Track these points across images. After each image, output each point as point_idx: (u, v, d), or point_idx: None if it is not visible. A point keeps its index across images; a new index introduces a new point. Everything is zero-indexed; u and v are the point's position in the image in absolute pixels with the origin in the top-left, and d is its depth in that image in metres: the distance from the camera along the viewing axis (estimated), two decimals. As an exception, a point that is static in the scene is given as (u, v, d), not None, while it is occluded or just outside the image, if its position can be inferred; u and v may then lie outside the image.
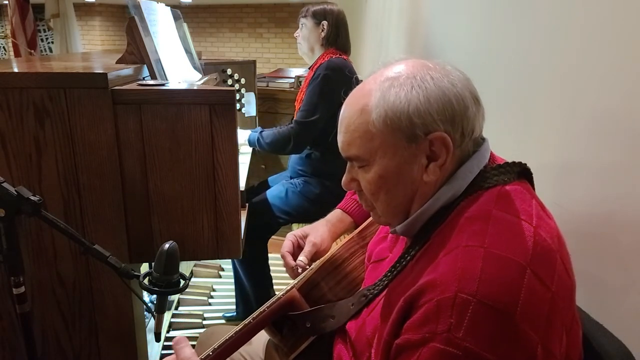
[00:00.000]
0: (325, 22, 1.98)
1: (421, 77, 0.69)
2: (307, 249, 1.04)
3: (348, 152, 0.75)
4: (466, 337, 0.56)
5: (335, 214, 1.14)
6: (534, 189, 0.74)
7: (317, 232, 1.08)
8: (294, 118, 1.97)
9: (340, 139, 0.76)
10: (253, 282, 2.03)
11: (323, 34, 1.99)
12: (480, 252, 0.60)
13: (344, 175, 0.79)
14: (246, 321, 0.88)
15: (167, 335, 2.06)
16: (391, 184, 0.72)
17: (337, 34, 2.00)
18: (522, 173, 0.73)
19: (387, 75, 0.71)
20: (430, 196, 0.71)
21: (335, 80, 1.85)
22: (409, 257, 0.73)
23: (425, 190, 0.71)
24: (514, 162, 0.72)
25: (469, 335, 0.56)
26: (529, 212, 0.66)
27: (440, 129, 0.67)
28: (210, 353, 0.83)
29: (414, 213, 0.73)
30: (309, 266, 1.01)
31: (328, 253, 0.98)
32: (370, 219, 1.02)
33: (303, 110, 1.93)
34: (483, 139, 0.74)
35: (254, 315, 0.89)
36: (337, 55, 1.97)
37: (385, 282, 0.76)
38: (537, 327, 0.57)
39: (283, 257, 1.05)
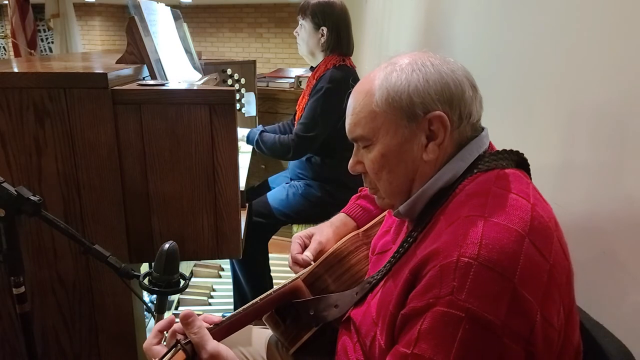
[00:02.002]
0: (324, 28, 1.90)
1: (422, 62, 0.74)
2: (313, 245, 1.05)
3: (354, 133, 0.78)
4: (468, 298, 0.57)
5: (339, 217, 1.15)
6: (530, 178, 0.76)
7: (322, 232, 1.10)
8: (294, 129, 1.92)
9: (347, 122, 0.80)
10: (252, 283, 2.02)
11: (323, 40, 1.91)
12: (480, 220, 0.63)
13: (351, 159, 0.82)
14: (253, 302, 0.88)
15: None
16: (393, 163, 0.75)
17: (337, 39, 1.92)
18: (519, 163, 0.75)
19: (390, 62, 0.77)
20: (431, 176, 0.75)
21: (337, 93, 1.80)
22: (411, 239, 0.75)
23: (426, 169, 0.75)
24: (511, 150, 0.75)
25: (471, 297, 0.57)
26: (526, 192, 0.68)
27: (439, 108, 0.71)
28: (218, 324, 0.84)
29: (415, 193, 0.76)
30: (312, 262, 1.02)
31: (333, 247, 0.99)
32: (376, 219, 1.03)
33: (303, 123, 1.87)
34: (482, 128, 0.77)
35: (261, 297, 0.89)
36: (341, 62, 1.91)
37: (389, 266, 0.78)
38: (535, 294, 0.58)
39: (295, 259, 1.05)
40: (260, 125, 2.26)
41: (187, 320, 0.77)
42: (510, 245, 0.59)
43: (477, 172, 0.72)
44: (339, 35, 1.92)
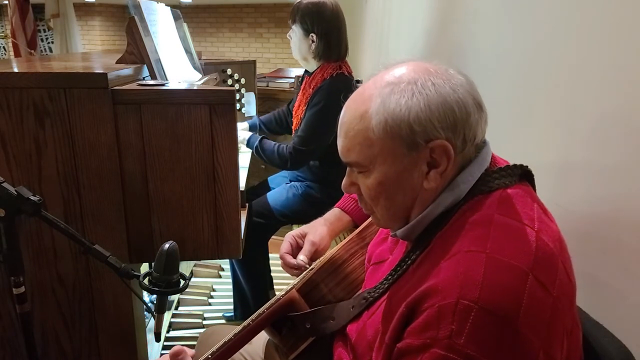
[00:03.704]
0: (313, 35, 1.85)
1: (422, 83, 0.67)
2: (307, 247, 1.04)
3: (348, 157, 0.74)
4: (467, 343, 0.56)
5: (334, 212, 1.14)
6: (535, 190, 0.74)
7: (315, 230, 1.08)
8: (292, 142, 1.90)
9: (340, 143, 0.75)
10: (251, 284, 2.02)
11: (313, 46, 1.87)
12: (482, 257, 0.60)
13: (344, 179, 0.79)
14: (245, 323, 0.88)
15: (167, 335, 2.06)
16: (391, 190, 0.71)
17: (327, 46, 1.87)
18: (523, 175, 0.72)
19: (387, 80, 0.70)
20: (431, 202, 0.71)
21: (335, 106, 1.78)
22: (409, 261, 0.72)
23: (426, 196, 0.71)
24: (515, 165, 0.72)
25: (471, 342, 0.56)
26: (530, 215, 0.65)
27: (442, 136, 0.66)
28: (209, 356, 0.83)
29: (415, 218, 0.73)
30: (309, 265, 1.01)
31: (327, 254, 0.98)
32: (370, 219, 1.02)
33: (301, 137, 1.86)
34: (484, 143, 0.73)
35: (253, 317, 0.89)
36: (337, 70, 1.88)
37: (386, 285, 0.76)
38: (538, 332, 0.57)
39: (282, 258, 1.06)
40: (256, 117, 2.25)
41: (177, 357, 0.76)
42: (512, 285, 0.58)
43: (479, 195, 0.69)
44: (328, 42, 1.87)
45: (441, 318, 0.58)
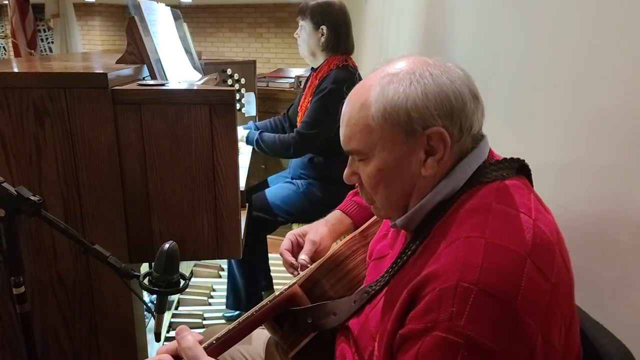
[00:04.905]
0: (324, 27, 1.91)
1: (420, 73, 0.70)
2: (308, 247, 1.04)
3: (349, 145, 0.76)
4: (467, 325, 0.56)
5: (335, 214, 1.15)
6: (532, 185, 0.75)
7: (316, 231, 1.09)
8: (296, 127, 1.94)
9: (342, 132, 0.78)
10: (245, 278, 2.03)
11: (323, 39, 1.93)
12: (481, 242, 0.61)
13: (346, 169, 0.81)
14: (248, 313, 0.89)
15: (167, 335, 2.06)
16: (390, 178, 0.73)
17: (337, 38, 1.93)
18: (520, 169, 0.74)
19: (387, 71, 0.73)
20: (429, 190, 0.73)
21: (341, 94, 1.81)
22: (409, 252, 0.74)
23: (424, 184, 0.73)
24: (512, 158, 0.73)
25: (470, 324, 0.56)
26: (527, 205, 0.67)
27: (438, 123, 0.69)
28: (214, 342, 0.83)
29: (413, 207, 0.74)
30: (310, 265, 1.02)
31: (330, 251, 0.99)
32: (373, 219, 1.03)
33: (306, 122, 1.90)
34: (482, 136, 0.75)
35: (256, 309, 0.89)
36: (343, 62, 1.93)
37: (387, 277, 0.77)
38: (537, 317, 0.58)
39: (282, 254, 1.07)
40: (252, 122, 2.27)
41: (181, 334, 0.76)
42: (511, 269, 0.58)
43: (477, 185, 0.70)
44: (338, 34, 1.93)
45: (442, 301, 0.59)
